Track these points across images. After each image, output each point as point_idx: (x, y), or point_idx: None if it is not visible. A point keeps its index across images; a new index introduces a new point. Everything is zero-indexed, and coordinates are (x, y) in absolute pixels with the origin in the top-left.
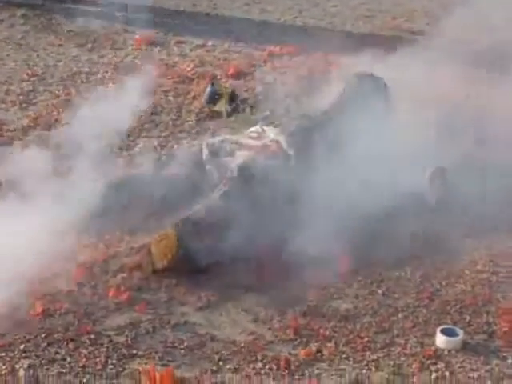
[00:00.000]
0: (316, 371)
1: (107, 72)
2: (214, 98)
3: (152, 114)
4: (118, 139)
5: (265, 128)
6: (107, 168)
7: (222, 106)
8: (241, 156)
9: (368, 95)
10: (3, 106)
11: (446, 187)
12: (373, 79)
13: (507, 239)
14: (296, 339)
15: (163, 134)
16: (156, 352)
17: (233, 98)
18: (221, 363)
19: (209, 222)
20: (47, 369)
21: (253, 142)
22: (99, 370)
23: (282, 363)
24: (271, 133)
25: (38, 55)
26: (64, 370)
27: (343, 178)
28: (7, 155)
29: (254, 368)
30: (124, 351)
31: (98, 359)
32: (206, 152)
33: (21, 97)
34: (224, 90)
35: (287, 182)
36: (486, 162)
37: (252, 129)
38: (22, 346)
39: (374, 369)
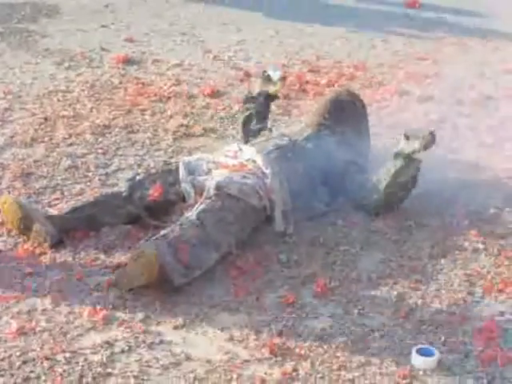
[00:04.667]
0: None
1: (83, 90)
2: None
3: (128, 132)
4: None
5: (241, 147)
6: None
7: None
8: (217, 175)
9: (346, 112)
10: None
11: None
12: (350, 96)
13: (483, 258)
14: (272, 358)
15: (140, 153)
16: (131, 371)
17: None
18: (196, 382)
19: (185, 240)
20: None
21: (229, 160)
22: None
23: (257, 382)
24: (248, 152)
25: (14, 73)
26: None
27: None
28: None
29: None
30: (99, 370)
31: (72, 378)
32: (182, 170)
33: None
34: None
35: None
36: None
37: (229, 147)
38: None
39: None
